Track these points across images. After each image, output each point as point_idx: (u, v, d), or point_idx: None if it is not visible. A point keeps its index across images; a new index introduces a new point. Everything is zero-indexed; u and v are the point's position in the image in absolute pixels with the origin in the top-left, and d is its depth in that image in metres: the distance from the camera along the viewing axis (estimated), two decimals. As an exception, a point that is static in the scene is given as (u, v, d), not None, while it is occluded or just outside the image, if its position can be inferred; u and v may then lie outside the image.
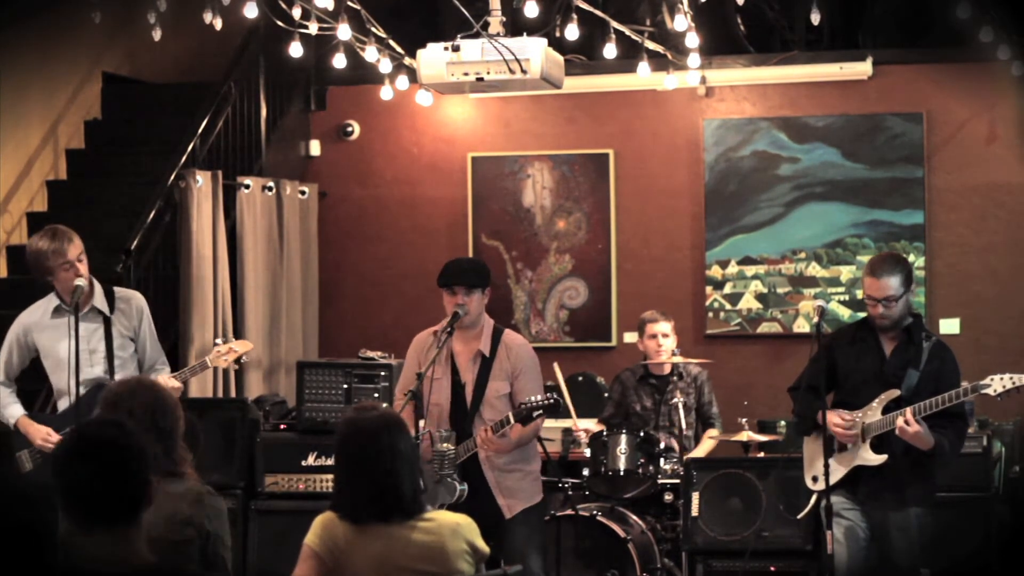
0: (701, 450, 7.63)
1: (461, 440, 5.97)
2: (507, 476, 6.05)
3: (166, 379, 6.24)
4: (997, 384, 5.62)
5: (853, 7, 9.70)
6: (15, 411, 6.36)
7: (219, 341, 6.78)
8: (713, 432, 7.75)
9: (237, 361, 6.69)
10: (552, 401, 5.81)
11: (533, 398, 5.84)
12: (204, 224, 8.61)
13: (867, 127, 9.26)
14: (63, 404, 6.30)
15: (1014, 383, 5.60)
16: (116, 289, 6.50)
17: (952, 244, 9.20)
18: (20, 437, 6.35)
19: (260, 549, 7.49)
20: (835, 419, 5.85)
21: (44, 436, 6.24)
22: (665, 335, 7.73)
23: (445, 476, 5.87)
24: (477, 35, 6.41)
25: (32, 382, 6.79)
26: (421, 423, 5.86)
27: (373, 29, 8.01)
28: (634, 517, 7.20)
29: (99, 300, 6.36)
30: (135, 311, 6.46)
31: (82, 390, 6.12)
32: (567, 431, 8.09)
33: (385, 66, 8.39)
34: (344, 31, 7.65)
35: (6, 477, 6.33)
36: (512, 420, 5.83)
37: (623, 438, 7.25)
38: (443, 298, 6.09)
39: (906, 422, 5.65)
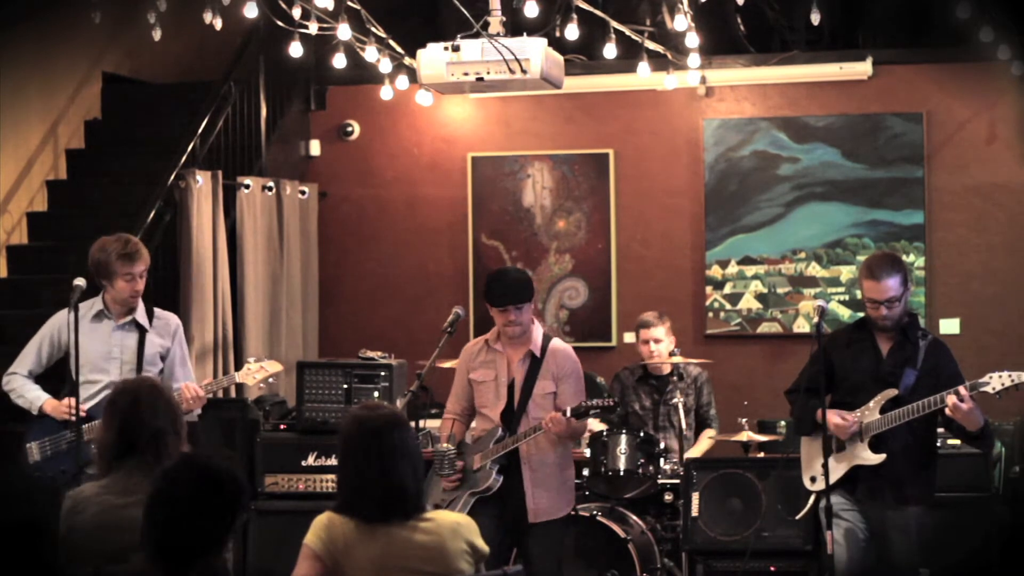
0: (698, 449, 7.63)
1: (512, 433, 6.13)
2: (542, 477, 6.14)
3: (190, 386, 6.30)
4: (996, 382, 5.61)
5: (853, 7, 9.70)
6: (41, 395, 6.43)
7: (251, 359, 6.85)
8: (711, 432, 7.75)
9: (264, 380, 6.76)
10: (611, 403, 5.99)
11: (595, 400, 6.00)
12: (204, 224, 8.61)
13: (867, 127, 9.26)
14: (87, 404, 6.31)
15: (1013, 381, 5.59)
16: (156, 309, 6.56)
17: (952, 244, 9.21)
18: (34, 429, 6.37)
19: (260, 549, 7.49)
20: (835, 419, 5.84)
21: (66, 409, 6.26)
22: (658, 340, 7.72)
23: (486, 464, 6.07)
24: (477, 35, 6.41)
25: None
26: (423, 423, 5.93)
27: (373, 29, 8.01)
28: (634, 517, 7.19)
29: (140, 314, 6.44)
30: (170, 331, 6.54)
31: (105, 394, 6.13)
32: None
33: (385, 66, 8.39)
34: (344, 31, 7.65)
35: (11, 474, 6.37)
36: (568, 415, 5.95)
37: (623, 438, 7.24)
38: (491, 311, 6.19)
39: (961, 398, 5.59)
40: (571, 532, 6.50)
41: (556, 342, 6.28)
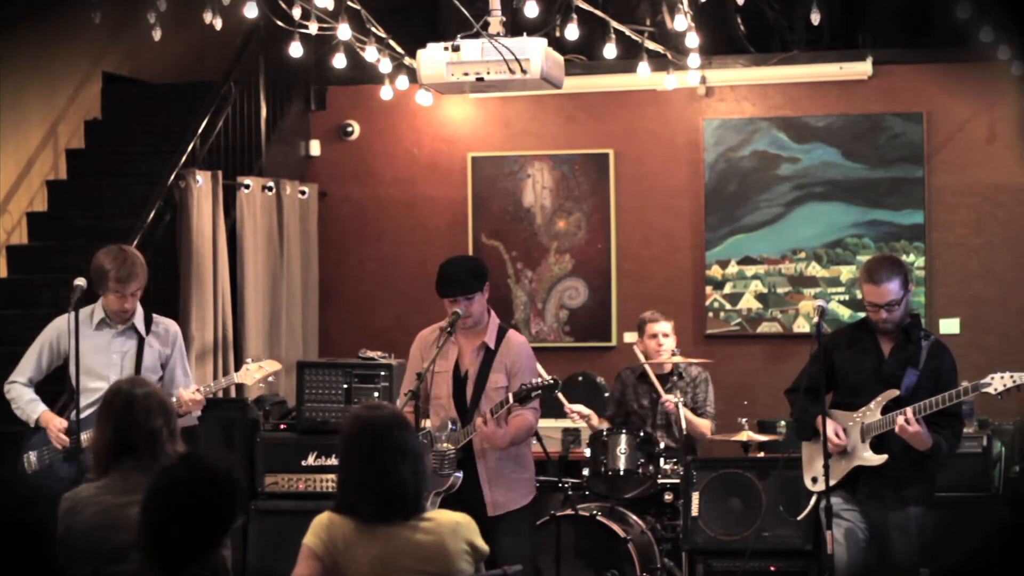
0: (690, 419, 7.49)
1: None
2: (498, 474, 6.04)
3: (188, 392, 6.29)
4: (998, 383, 5.62)
5: (853, 7, 9.69)
6: (38, 407, 6.42)
7: (249, 360, 6.83)
8: (705, 422, 7.69)
9: (263, 380, 6.75)
10: (552, 381, 5.81)
11: (533, 380, 5.83)
12: (204, 224, 8.60)
13: (867, 127, 9.26)
14: (87, 412, 6.29)
15: (1015, 381, 5.60)
16: (155, 316, 6.55)
17: (952, 244, 9.20)
18: (32, 438, 6.37)
19: (260, 549, 7.50)
20: (829, 435, 5.82)
21: (57, 432, 6.25)
22: (666, 334, 7.73)
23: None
24: (477, 35, 6.41)
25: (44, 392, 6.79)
26: (424, 423, 5.87)
27: (373, 29, 8.01)
28: (634, 517, 7.19)
29: (138, 321, 6.43)
30: (170, 338, 6.53)
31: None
32: (567, 431, 8.08)
33: (385, 66, 8.39)
34: (344, 31, 7.65)
35: (9, 480, 6.36)
36: (511, 400, 5.80)
37: (623, 438, 7.25)
38: (444, 302, 6.07)
39: (907, 421, 5.65)
40: (533, 519, 6.33)
41: (511, 334, 6.14)
